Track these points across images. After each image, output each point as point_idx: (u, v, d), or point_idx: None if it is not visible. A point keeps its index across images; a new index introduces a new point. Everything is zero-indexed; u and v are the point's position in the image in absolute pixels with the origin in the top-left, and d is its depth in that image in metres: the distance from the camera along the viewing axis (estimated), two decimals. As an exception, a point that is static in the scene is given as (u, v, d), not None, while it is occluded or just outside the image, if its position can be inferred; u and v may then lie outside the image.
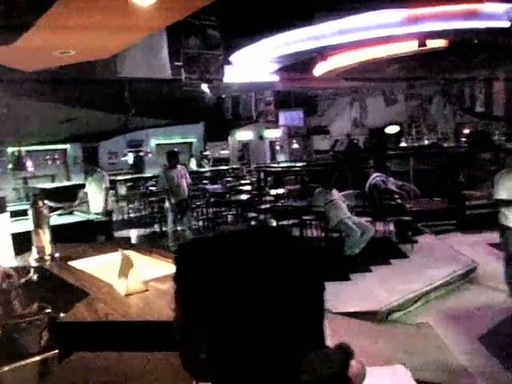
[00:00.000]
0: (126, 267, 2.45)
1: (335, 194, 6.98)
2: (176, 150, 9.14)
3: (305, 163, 14.54)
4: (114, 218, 7.92)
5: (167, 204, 7.99)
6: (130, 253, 2.89)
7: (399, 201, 7.59)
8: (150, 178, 14.18)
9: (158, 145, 18.92)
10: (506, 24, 10.04)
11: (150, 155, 17.98)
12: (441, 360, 4.28)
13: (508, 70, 13.32)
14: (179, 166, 8.02)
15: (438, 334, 4.74)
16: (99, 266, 3.20)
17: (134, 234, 9.91)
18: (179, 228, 8.14)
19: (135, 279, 2.45)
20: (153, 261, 3.23)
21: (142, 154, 18.10)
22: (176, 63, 11.20)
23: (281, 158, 20.50)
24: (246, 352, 0.65)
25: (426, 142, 18.14)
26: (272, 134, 20.64)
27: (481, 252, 7.07)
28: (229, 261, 0.67)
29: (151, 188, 12.52)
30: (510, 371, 3.95)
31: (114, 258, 2.94)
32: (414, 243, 7.41)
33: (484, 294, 4.68)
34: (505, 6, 10.05)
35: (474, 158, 11.80)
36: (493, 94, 15.53)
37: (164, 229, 9.54)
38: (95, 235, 5.74)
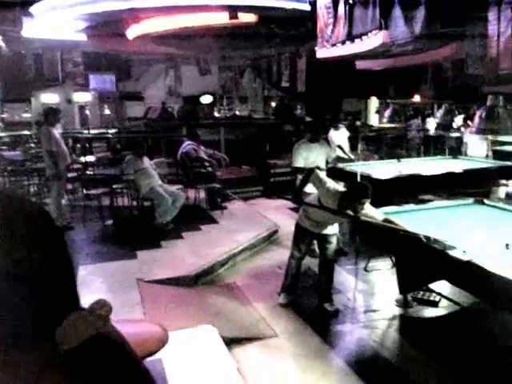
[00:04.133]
0: None
1: (146, 162, 6.85)
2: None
3: (117, 130, 13.96)
4: None
5: (50, 170, 6.68)
6: None
7: (210, 169, 7.81)
8: None
9: None
10: (307, 7, 10.88)
11: None
12: (246, 316, 4.59)
13: (309, 50, 14.50)
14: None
15: (244, 293, 5.07)
16: None
17: None
18: (64, 201, 7.05)
19: None
20: None
21: None
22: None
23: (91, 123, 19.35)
24: None
25: (238, 113, 18.95)
26: (81, 97, 19.29)
27: (282, 215, 7.73)
28: None
29: None
30: (306, 320, 4.45)
31: None
32: (223, 209, 7.75)
33: (285, 254, 5.12)
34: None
35: (279, 129, 12.76)
36: (297, 70, 16.76)
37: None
38: None
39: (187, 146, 7.74)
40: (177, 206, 6.72)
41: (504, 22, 6.76)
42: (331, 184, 4.30)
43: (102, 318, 0.64)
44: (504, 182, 8.26)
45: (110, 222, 7.18)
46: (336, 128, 8.61)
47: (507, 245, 3.57)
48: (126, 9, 8.80)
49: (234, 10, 10.25)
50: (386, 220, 4.06)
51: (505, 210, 4.95)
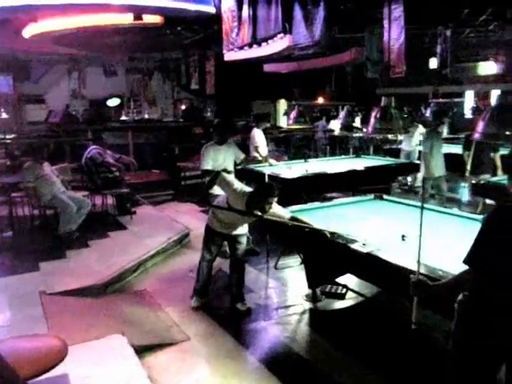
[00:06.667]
0: None
1: (47, 168, 6.50)
2: None
3: (15, 135, 13.11)
4: None
5: None
6: None
7: (117, 173, 7.56)
8: None
9: None
10: (212, 10, 10.90)
11: None
12: (158, 322, 4.51)
13: (218, 52, 14.53)
14: None
15: (155, 299, 4.97)
16: None
17: None
18: None
19: None
20: None
21: None
22: None
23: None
24: None
25: (147, 116, 18.57)
26: (-26, 101, 17.90)
27: (193, 218, 7.69)
28: None
29: None
30: (219, 322, 4.45)
31: None
32: (132, 214, 7.55)
33: (196, 257, 5.08)
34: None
35: (189, 132, 12.68)
36: (206, 73, 16.73)
37: None
38: None
39: (92, 150, 7.44)
40: (82, 213, 6.44)
41: (397, 30, 7.23)
42: (238, 185, 4.34)
43: None
44: (401, 178, 8.86)
45: (8, 233, 6.72)
46: (259, 127, 8.69)
47: (403, 236, 3.82)
48: (20, 6, 8.25)
49: (138, 11, 10.03)
50: (293, 218, 4.18)
51: (402, 203, 5.33)
